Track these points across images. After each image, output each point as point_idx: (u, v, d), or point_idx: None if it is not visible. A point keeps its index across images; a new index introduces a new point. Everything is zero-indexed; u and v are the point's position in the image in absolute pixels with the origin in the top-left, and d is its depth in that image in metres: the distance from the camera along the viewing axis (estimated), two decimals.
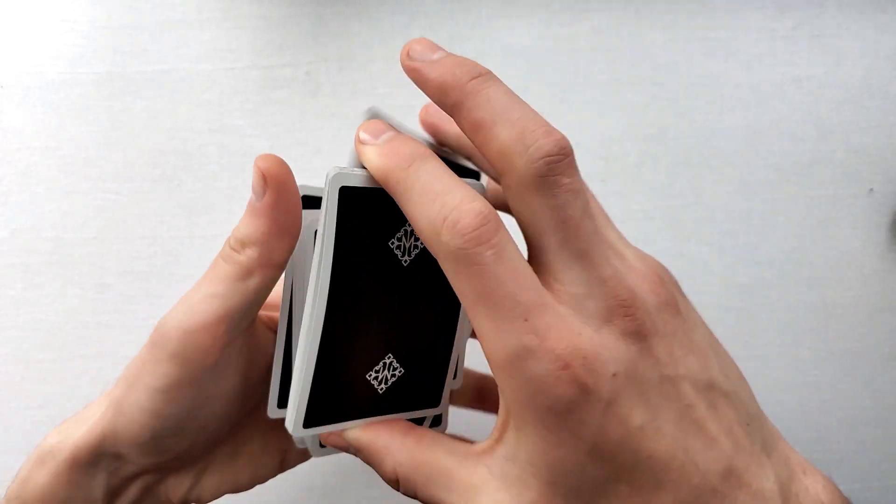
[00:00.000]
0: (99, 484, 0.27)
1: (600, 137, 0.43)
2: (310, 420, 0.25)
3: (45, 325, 0.43)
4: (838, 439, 0.44)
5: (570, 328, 0.22)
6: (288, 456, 0.32)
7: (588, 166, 0.43)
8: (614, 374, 0.22)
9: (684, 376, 0.24)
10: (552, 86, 0.43)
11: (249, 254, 0.25)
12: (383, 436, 0.25)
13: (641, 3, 0.43)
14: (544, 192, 0.22)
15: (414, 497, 0.25)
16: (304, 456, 0.32)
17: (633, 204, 0.43)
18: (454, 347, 0.28)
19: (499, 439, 0.24)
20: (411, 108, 0.43)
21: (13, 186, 0.42)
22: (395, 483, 0.25)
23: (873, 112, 0.43)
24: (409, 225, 0.24)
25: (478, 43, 0.43)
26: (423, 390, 0.27)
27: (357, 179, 0.23)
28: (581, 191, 0.23)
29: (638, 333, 0.23)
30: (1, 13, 0.42)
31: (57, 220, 0.42)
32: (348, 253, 0.23)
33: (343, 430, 0.26)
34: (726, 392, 0.25)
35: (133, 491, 0.28)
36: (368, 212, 0.23)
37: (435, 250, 0.21)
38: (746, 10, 0.43)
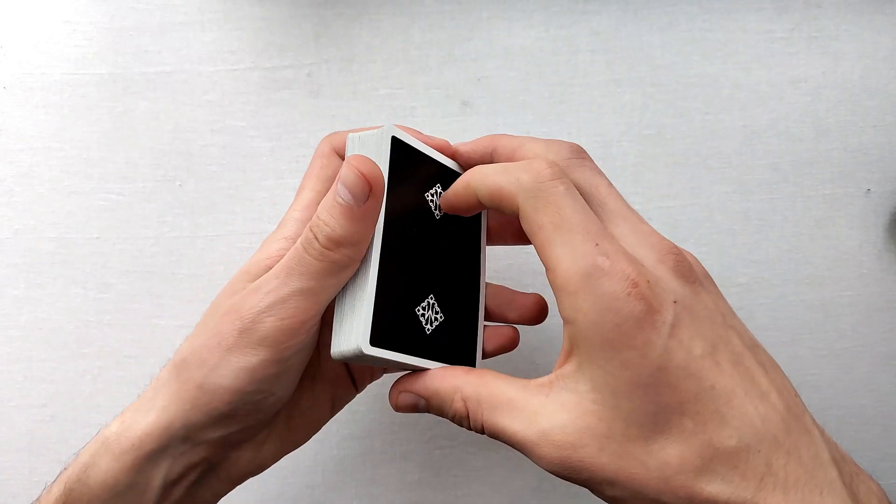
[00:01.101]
0: (161, 470, 0.28)
1: (599, 138, 0.43)
2: (375, 339, 0.26)
3: (48, 325, 0.43)
4: (837, 438, 0.44)
5: (632, 256, 0.24)
6: (336, 399, 0.33)
7: None
8: (675, 302, 0.24)
9: (731, 327, 0.26)
10: (551, 87, 0.43)
11: (346, 252, 0.26)
12: (448, 377, 0.27)
13: (640, 5, 0.43)
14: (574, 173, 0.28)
15: (481, 430, 0.26)
16: (349, 394, 0.34)
17: (631, 204, 0.43)
18: (479, 313, 0.31)
19: (559, 375, 0.25)
20: (411, 110, 0.43)
21: (16, 187, 0.43)
22: (464, 415, 0.27)
23: (871, 112, 0.44)
24: (440, 186, 0.29)
25: (477, 44, 0.43)
26: (460, 345, 0.30)
27: (404, 136, 0.27)
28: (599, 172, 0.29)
29: (687, 276, 0.25)
30: (3, 14, 0.43)
31: (59, 220, 0.43)
32: (396, 193, 0.27)
33: (411, 386, 0.28)
34: (770, 359, 0.26)
35: (193, 475, 0.29)
36: (411, 164, 0.27)
37: (514, 193, 0.25)
38: (745, 12, 0.43)
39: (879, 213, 0.44)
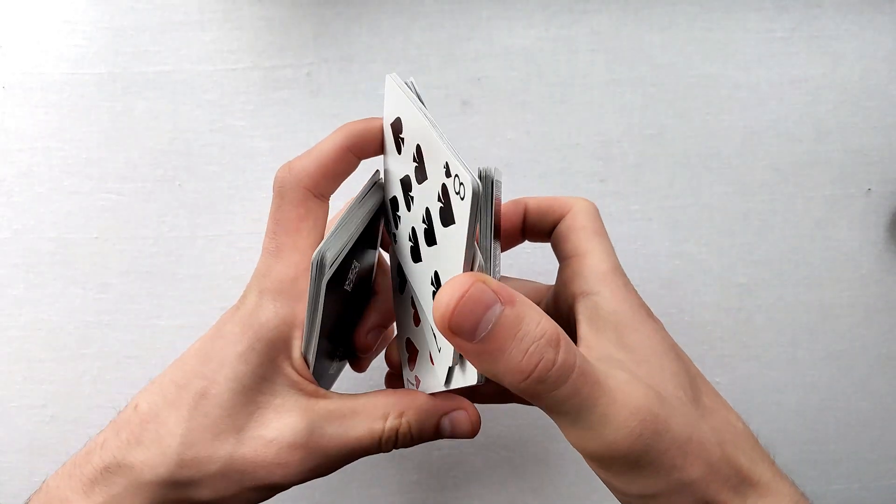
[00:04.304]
0: None
1: (599, 138, 0.43)
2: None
3: (47, 325, 0.43)
4: (836, 439, 0.44)
5: None
6: None
7: (587, 167, 0.43)
8: None
9: None
10: (551, 87, 0.43)
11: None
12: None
13: (640, 5, 0.43)
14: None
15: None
16: None
17: (631, 205, 0.43)
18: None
19: (588, 346, 0.27)
20: None
21: (15, 187, 0.43)
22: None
23: (871, 113, 0.44)
24: (353, 266, 0.30)
25: (477, 44, 0.43)
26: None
27: (335, 266, 0.28)
28: None
29: None
30: (3, 14, 0.42)
31: (59, 220, 0.43)
32: (327, 312, 0.29)
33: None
34: None
35: None
36: (336, 281, 0.28)
37: (569, 202, 0.32)
38: (745, 12, 0.43)
39: (879, 213, 0.44)
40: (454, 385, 0.27)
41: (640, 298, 0.28)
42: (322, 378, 0.31)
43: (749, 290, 0.44)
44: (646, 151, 0.44)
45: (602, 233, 0.30)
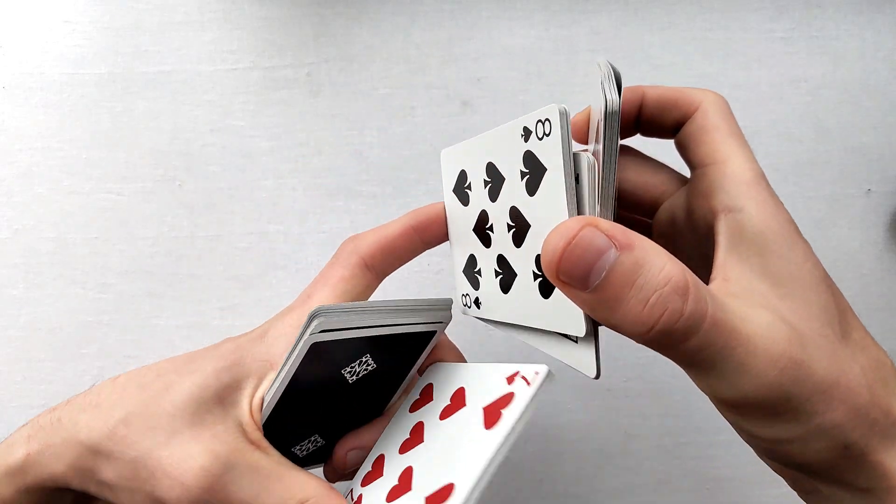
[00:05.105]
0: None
1: None
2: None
3: (47, 325, 0.43)
4: None
5: None
6: None
7: None
8: None
9: None
10: (551, 86, 0.43)
11: None
12: None
13: (640, 5, 0.43)
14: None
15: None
16: None
17: None
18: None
19: (725, 277, 0.24)
20: (411, 109, 0.43)
21: (15, 187, 0.43)
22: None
23: (871, 112, 0.44)
24: (364, 358, 0.29)
25: (477, 43, 0.43)
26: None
27: (333, 335, 0.27)
28: None
29: None
30: (3, 14, 0.42)
31: (59, 220, 0.43)
32: (305, 374, 0.27)
33: None
34: None
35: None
36: (328, 352, 0.27)
37: (699, 98, 0.27)
38: (745, 12, 0.43)
39: (880, 213, 0.44)
40: None
41: (787, 213, 0.24)
42: (277, 446, 0.29)
43: None
44: (645, 151, 0.43)
45: (739, 134, 0.26)
